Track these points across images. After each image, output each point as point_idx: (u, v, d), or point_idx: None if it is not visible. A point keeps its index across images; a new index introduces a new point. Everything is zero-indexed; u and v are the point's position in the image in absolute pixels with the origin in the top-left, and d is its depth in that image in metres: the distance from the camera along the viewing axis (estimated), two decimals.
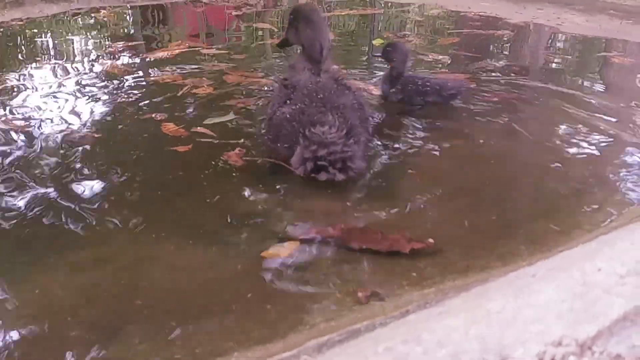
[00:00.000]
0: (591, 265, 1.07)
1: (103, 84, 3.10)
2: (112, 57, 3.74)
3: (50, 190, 1.91)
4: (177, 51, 3.80)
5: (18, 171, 2.04)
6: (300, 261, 1.55)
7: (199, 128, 2.42)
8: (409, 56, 2.86)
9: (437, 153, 2.28)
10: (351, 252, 1.60)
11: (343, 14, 5.48)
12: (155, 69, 3.40)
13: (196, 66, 3.43)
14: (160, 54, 3.76)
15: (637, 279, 1.07)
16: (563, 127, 2.60)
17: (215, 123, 2.48)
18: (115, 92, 2.95)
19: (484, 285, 1.22)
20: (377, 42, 4.21)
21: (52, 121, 2.54)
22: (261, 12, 5.55)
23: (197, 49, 3.90)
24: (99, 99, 2.85)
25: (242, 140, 2.29)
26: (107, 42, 4.24)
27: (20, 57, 3.89)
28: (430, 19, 5.40)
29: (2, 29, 4.56)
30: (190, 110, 2.69)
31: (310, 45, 2.37)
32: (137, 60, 3.69)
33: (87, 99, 2.83)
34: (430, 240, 1.61)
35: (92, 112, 2.66)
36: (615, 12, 5.36)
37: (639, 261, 1.11)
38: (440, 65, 3.60)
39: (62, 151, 2.22)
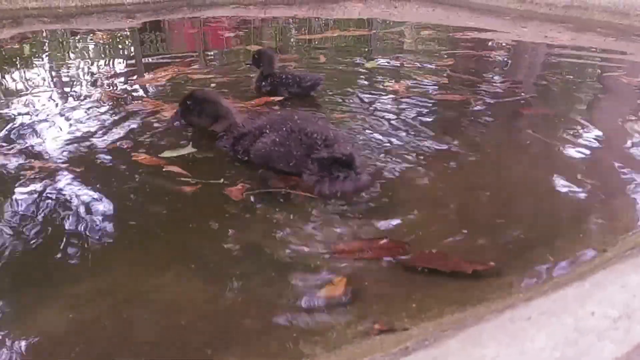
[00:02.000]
0: (584, 310, 1.10)
1: (86, 110, 3.10)
2: (98, 82, 3.73)
3: (47, 223, 1.92)
4: (167, 76, 3.81)
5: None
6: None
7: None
8: (274, 58, 3.48)
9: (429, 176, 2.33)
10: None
11: (334, 35, 5.49)
12: (140, 94, 3.42)
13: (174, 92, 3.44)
14: (151, 78, 3.78)
15: (629, 322, 1.10)
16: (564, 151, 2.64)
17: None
18: (97, 119, 2.95)
19: (479, 325, 1.24)
20: (370, 64, 4.26)
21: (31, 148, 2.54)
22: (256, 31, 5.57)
23: (188, 73, 3.90)
24: (78, 126, 2.85)
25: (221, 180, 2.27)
26: (98, 66, 4.23)
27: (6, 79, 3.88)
28: (422, 40, 5.44)
29: None
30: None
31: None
32: (125, 85, 3.67)
33: (63, 126, 2.84)
34: (492, 263, 1.67)
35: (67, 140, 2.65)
36: (603, 30, 5.47)
37: (629, 304, 1.14)
38: (438, 87, 3.65)
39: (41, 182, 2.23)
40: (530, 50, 5.01)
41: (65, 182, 2.21)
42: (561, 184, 2.29)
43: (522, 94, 3.52)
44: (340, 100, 3.34)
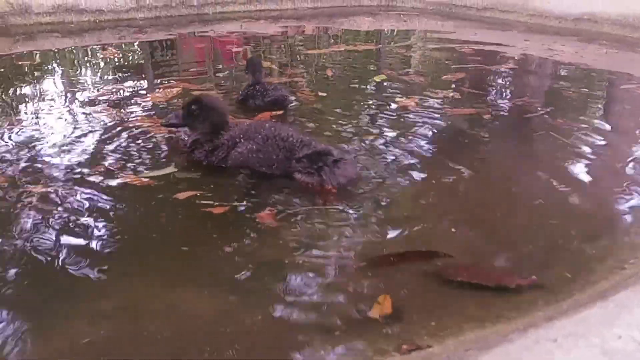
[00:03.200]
0: (610, 333, 1.09)
1: (90, 127, 3.06)
2: (105, 99, 3.66)
3: (63, 242, 1.93)
4: (175, 93, 3.80)
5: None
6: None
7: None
8: (258, 67, 3.50)
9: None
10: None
11: (341, 49, 5.49)
12: (147, 111, 3.39)
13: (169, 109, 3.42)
14: (159, 94, 3.77)
15: None
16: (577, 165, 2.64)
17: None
18: (100, 138, 2.90)
19: (504, 346, 1.24)
20: (378, 78, 4.26)
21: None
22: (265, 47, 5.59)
23: (196, 89, 3.89)
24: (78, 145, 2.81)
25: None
26: (106, 82, 4.21)
27: (11, 94, 3.87)
28: (429, 54, 5.45)
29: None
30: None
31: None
32: (134, 103, 3.62)
33: (69, 145, 2.80)
34: (534, 277, 1.68)
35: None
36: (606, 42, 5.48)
37: None
38: (448, 102, 3.65)
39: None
40: (540, 63, 5.01)
41: (72, 202, 2.20)
42: (579, 199, 2.29)
43: (539, 107, 3.52)
44: (348, 115, 3.32)
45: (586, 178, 2.48)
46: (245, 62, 3.64)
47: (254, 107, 3.38)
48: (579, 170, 2.57)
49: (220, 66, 4.81)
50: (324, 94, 3.77)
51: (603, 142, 2.89)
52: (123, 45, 5.48)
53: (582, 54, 5.14)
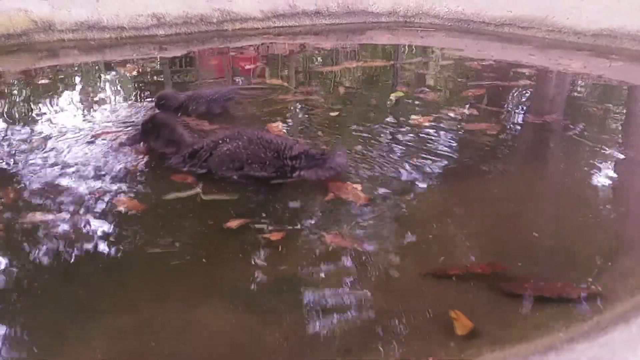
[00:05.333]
0: (635, 358, 1.07)
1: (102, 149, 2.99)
2: (120, 118, 3.60)
3: (85, 259, 1.97)
4: None
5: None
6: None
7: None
8: (173, 100, 3.57)
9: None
10: None
11: (357, 65, 5.46)
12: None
13: None
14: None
15: None
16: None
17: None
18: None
19: None
20: (395, 94, 4.25)
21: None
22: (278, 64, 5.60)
23: None
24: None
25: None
26: (124, 100, 4.22)
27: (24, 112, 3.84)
28: (446, 70, 5.42)
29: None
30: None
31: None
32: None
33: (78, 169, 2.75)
34: (599, 287, 1.71)
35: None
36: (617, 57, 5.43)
37: None
38: (465, 119, 3.64)
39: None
40: (558, 79, 4.98)
41: (88, 222, 2.22)
42: (602, 217, 2.29)
43: (571, 125, 3.50)
44: (363, 131, 3.32)
45: (620, 195, 2.52)
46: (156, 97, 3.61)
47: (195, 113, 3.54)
48: (610, 187, 2.60)
49: (240, 82, 4.85)
50: (338, 112, 3.76)
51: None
52: (143, 60, 5.57)
53: (593, 68, 5.12)
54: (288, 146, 2.56)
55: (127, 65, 5.25)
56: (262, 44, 6.39)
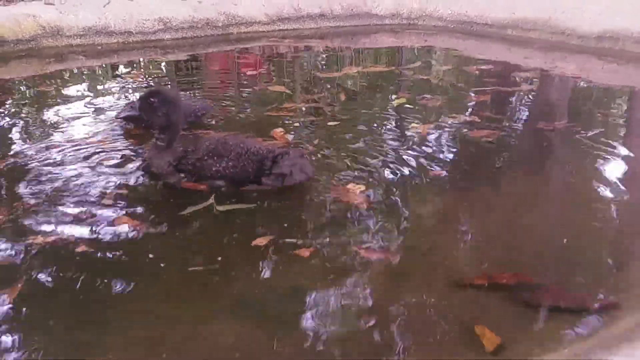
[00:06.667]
0: None
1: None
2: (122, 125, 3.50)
3: (96, 269, 2.01)
4: None
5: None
6: None
7: None
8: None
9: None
10: None
11: (360, 70, 5.44)
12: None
13: None
14: None
15: None
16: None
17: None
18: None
19: None
20: (398, 101, 4.25)
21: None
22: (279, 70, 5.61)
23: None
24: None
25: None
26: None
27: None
28: (448, 74, 5.42)
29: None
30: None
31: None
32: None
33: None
34: (613, 298, 1.73)
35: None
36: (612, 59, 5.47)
37: None
38: (469, 126, 3.67)
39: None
40: (561, 83, 5.01)
41: (100, 232, 2.27)
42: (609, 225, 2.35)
43: (582, 131, 3.51)
44: (365, 138, 3.35)
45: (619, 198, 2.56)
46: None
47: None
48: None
49: (246, 88, 4.89)
50: (340, 120, 3.76)
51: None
52: (150, 66, 5.64)
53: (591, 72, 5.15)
54: (270, 154, 2.61)
55: (133, 72, 5.32)
56: (266, 46, 6.44)
